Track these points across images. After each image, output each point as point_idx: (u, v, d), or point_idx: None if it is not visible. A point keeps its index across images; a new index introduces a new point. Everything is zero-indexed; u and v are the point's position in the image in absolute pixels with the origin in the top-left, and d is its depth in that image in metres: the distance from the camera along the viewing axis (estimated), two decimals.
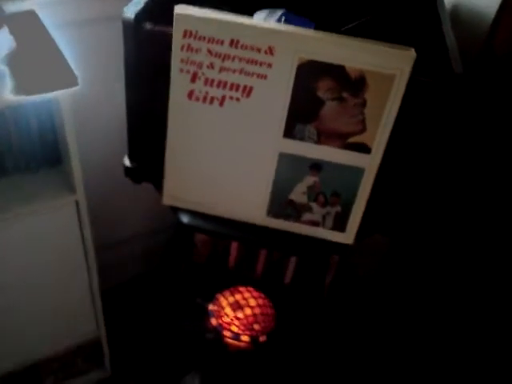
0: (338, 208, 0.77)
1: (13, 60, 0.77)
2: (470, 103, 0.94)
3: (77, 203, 0.88)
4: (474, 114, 0.98)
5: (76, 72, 0.77)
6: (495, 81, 0.95)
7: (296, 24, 0.77)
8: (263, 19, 0.76)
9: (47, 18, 0.88)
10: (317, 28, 0.76)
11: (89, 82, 0.81)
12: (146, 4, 0.71)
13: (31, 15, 0.87)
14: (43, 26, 0.85)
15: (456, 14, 0.97)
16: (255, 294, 1.24)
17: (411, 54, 0.61)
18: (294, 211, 0.79)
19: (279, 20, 0.76)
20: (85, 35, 0.94)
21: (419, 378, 1.31)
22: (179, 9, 0.65)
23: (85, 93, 0.80)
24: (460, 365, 1.17)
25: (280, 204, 0.79)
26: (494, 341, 1.07)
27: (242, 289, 1.24)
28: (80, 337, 1.17)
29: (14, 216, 0.86)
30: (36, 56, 0.79)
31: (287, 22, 0.77)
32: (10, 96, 0.70)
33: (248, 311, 1.21)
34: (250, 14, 0.78)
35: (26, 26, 0.84)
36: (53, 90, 0.73)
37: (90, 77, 0.85)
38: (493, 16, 0.89)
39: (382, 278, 1.43)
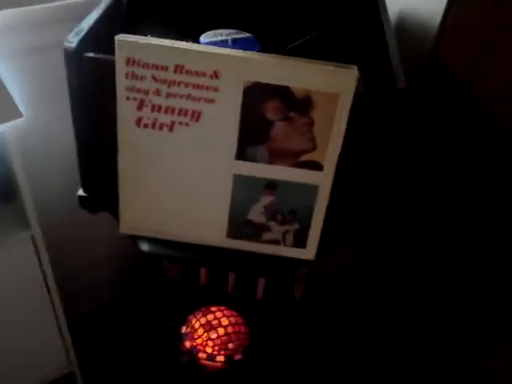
0: (297, 225, 0.77)
1: None
2: (416, 116, 0.96)
3: (32, 238, 0.86)
4: (420, 125, 1.00)
5: (21, 103, 0.75)
6: (440, 93, 0.97)
7: (243, 44, 0.77)
8: (210, 41, 0.76)
9: None
10: (264, 45, 0.76)
11: (36, 112, 0.80)
12: (89, 33, 0.69)
13: None
14: None
15: (401, 27, 0.99)
16: (227, 312, 1.23)
17: (354, 72, 0.62)
18: (253, 231, 0.79)
19: (226, 41, 0.76)
20: (30, 64, 0.93)
21: None
22: (121, 36, 0.64)
23: (33, 124, 0.78)
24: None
25: (239, 225, 0.78)
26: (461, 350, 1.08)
27: (213, 309, 1.23)
28: (53, 373, 1.15)
29: None
30: None
31: (234, 42, 0.77)
32: None
33: (221, 331, 1.20)
34: (198, 35, 0.78)
35: None
36: None
37: (38, 107, 0.83)
38: (436, 28, 0.91)
39: (352, 285, 1.44)
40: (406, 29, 0.98)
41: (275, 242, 0.80)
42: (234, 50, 0.65)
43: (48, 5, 0.94)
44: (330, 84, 0.63)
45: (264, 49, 0.75)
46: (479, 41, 0.87)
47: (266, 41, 0.77)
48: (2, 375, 1.05)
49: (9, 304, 0.95)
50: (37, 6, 0.92)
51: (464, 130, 0.95)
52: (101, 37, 0.70)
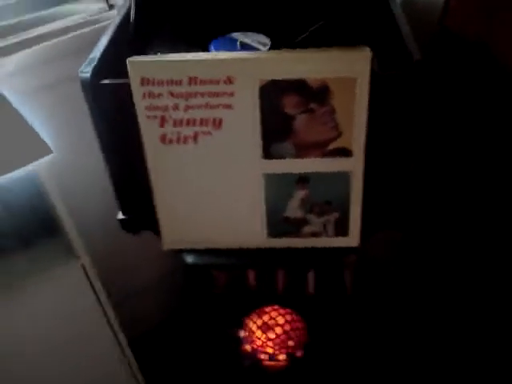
0: (336, 214, 0.77)
1: None
2: (434, 85, 0.93)
3: (83, 266, 0.89)
4: (439, 95, 0.98)
5: (49, 140, 0.77)
6: (454, 59, 0.94)
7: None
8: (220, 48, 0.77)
9: (12, 90, 0.89)
10: (272, 41, 0.76)
11: (66, 146, 0.82)
12: (101, 60, 0.71)
13: None
14: (8, 103, 0.86)
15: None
16: (282, 311, 1.23)
17: (367, 53, 0.61)
18: (292, 227, 0.79)
19: (235, 44, 0.76)
20: (53, 99, 0.95)
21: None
22: (132, 58, 0.65)
23: (65, 158, 0.80)
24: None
25: (277, 223, 0.78)
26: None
27: (267, 309, 1.24)
28: None
29: (27, 295, 0.86)
30: (5, 135, 0.80)
31: (243, 45, 0.77)
32: None
33: (279, 330, 1.21)
34: (207, 42, 0.78)
35: None
36: (27, 164, 0.73)
37: (66, 140, 0.86)
38: None
39: (401, 268, 1.42)
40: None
41: (317, 234, 0.79)
42: (243, 52, 0.65)
43: (60, 38, 0.97)
44: (345, 69, 0.62)
45: (273, 45, 0.75)
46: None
47: (273, 37, 0.76)
48: None
49: (69, 336, 0.97)
50: (46, 43, 0.95)
51: (483, 93, 0.92)
52: (113, 61, 0.71)
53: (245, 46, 0.75)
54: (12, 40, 0.96)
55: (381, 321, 1.46)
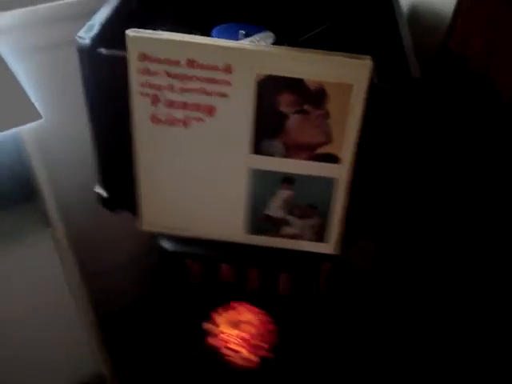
0: (316, 219, 0.76)
1: None
2: (431, 104, 0.93)
3: (54, 236, 0.87)
4: (435, 113, 0.98)
5: (36, 102, 0.75)
6: (452, 81, 0.94)
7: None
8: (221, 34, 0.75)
9: (6, 47, 0.87)
10: (276, 37, 0.75)
11: (52, 111, 0.80)
12: (101, 29, 0.69)
13: None
14: (1, 59, 0.84)
15: (414, 15, 0.96)
16: (252, 309, 1.22)
17: (367, 62, 0.60)
18: (272, 226, 0.78)
19: (237, 34, 0.75)
20: (44, 62, 0.93)
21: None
22: (132, 31, 0.64)
23: (50, 123, 0.79)
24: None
25: (257, 220, 0.77)
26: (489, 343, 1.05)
27: (236, 305, 1.23)
28: (83, 373, 1.15)
29: None
30: None
31: (247, 35, 0.76)
32: None
33: (245, 327, 1.20)
34: (209, 29, 0.77)
35: None
36: (13, 126, 0.72)
37: (53, 105, 0.84)
38: (449, 14, 0.88)
39: (375, 272, 1.42)
40: (419, 16, 0.95)
41: (295, 236, 0.78)
42: (245, 43, 0.64)
43: (59, 2, 0.94)
44: (344, 75, 0.61)
45: (276, 41, 0.74)
46: (493, 24, 0.84)
47: (277, 32, 0.75)
48: (32, 378, 1.06)
49: (34, 305, 0.96)
50: (47, 4, 0.93)
51: (480, 118, 0.92)
52: (112, 32, 0.69)
53: (247, 37, 0.73)
54: None
55: (353, 323, 1.46)
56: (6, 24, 0.89)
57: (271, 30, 0.75)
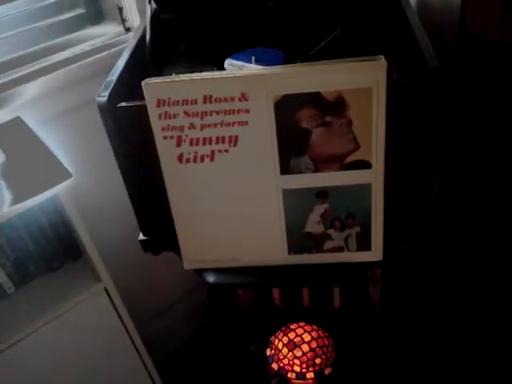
0: (357, 228, 0.75)
1: (5, 171, 0.79)
2: (456, 90, 0.91)
3: (105, 289, 0.89)
4: (460, 100, 0.96)
5: (69, 164, 0.78)
6: (474, 64, 0.92)
7: (267, 59, 0.77)
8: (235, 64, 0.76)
9: (33, 116, 0.90)
10: (287, 53, 0.76)
11: (85, 168, 0.83)
12: (117, 83, 0.72)
13: (16, 121, 0.90)
14: (29, 129, 0.87)
15: (423, 6, 0.95)
16: (308, 328, 1.21)
17: (382, 63, 0.60)
18: (314, 243, 0.77)
19: (250, 60, 0.76)
20: (69, 124, 0.97)
21: None
22: (147, 80, 0.66)
23: (84, 181, 0.81)
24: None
25: (298, 239, 0.77)
26: None
27: (293, 326, 1.22)
28: None
29: (52, 318, 0.86)
30: (26, 161, 0.81)
31: (258, 60, 0.76)
32: (9, 208, 0.71)
33: (305, 347, 1.19)
34: (222, 58, 0.78)
35: (12, 134, 0.87)
36: (48, 189, 0.74)
37: (86, 163, 0.86)
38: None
39: (429, 282, 1.38)
40: (429, 7, 0.95)
41: (339, 249, 0.78)
42: (256, 68, 0.65)
43: (74, 65, 0.99)
44: (360, 79, 0.61)
45: (287, 58, 0.74)
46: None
47: (288, 50, 0.76)
48: None
49: (96, 355, 0.97)
50: (66, 68, 0.97)
51: (503, 97, 0.89)
52: (129, 83, 0.72)
53: (259, 61, 0.74)
54: (32, 68, 0.98)
55: (408, 337, 1.42)
56: (29, 95, 0.92)
57: (280, 47, 0.75)
